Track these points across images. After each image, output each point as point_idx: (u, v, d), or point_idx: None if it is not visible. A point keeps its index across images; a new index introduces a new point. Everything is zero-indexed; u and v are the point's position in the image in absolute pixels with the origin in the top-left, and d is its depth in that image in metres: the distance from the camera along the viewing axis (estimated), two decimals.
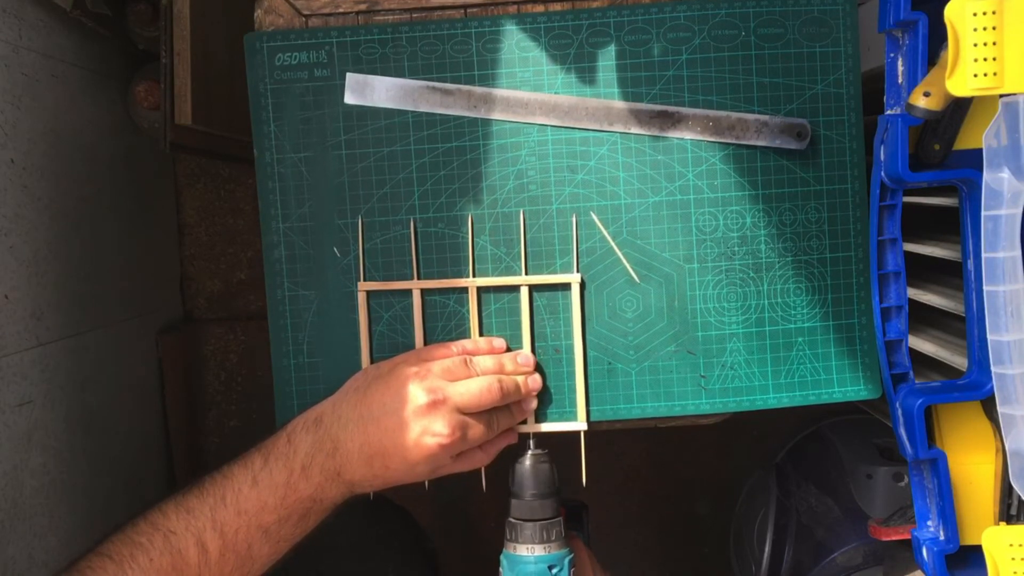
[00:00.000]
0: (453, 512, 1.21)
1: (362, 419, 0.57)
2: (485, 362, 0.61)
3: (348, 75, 0.63)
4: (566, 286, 0.63)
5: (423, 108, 0.63)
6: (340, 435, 0.56)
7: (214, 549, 0.54)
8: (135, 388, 1.02)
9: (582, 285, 0.63)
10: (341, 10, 0.64)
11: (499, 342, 0.63)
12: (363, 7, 0.64)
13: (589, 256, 0.63)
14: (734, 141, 0.62)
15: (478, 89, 0.63)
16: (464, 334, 0.63)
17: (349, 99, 0.63)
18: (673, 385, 0.64)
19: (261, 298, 1.21)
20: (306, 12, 0.64)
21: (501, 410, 0.60)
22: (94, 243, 0.91)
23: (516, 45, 0.63)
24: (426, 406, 0.56)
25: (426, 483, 0.63)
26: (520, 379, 0.61)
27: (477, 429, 0.58)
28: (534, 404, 0.63)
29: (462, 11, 0.63)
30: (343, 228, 0.64)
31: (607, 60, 0.62)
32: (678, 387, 0.64)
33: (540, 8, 0.63)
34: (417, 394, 0.56)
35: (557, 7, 0.63)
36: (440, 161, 0.63)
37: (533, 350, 0.64)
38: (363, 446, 0.56)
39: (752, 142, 0.62)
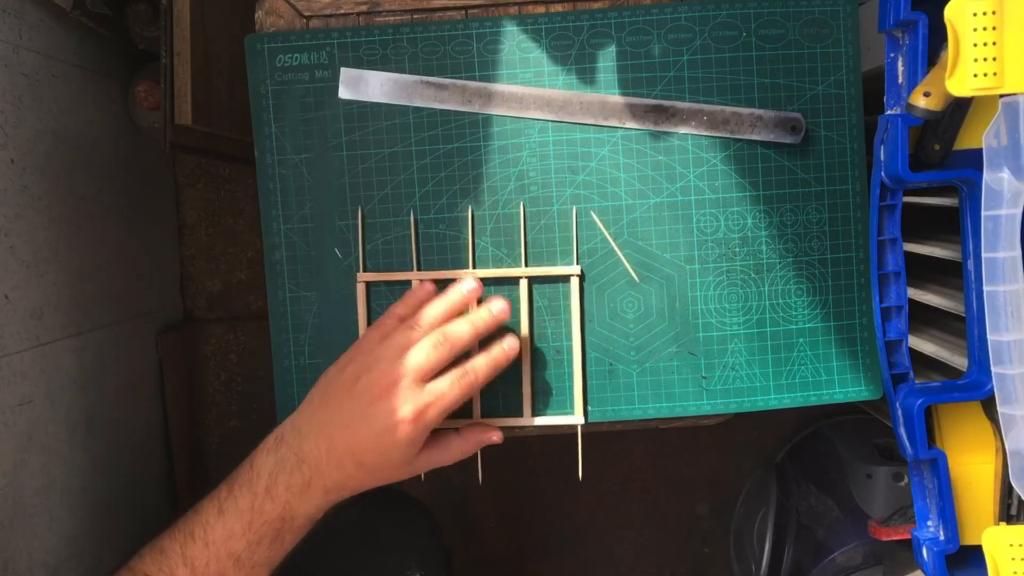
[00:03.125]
0: (453, 512, 1.21)
1: (324, 425, 0.56)
2: (429, 314, 0.58)
3: (343, 70, 0.63)
4: (566, 280, 0.63)
5: (417, 103, 0.63)
6: (303, 447, 0.56)
7: None
8: (135, 388, 1.02)
9: (582, 278, 0.63)
10: (342, 11, 0.64)
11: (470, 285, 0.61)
12: (364, 8, 0.64)
13: (590, 257, 0.63)
14: (729, 135, 0.62)
15: (472, 84, 0.63)
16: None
17: (343, 93, 0.63)
18: (674, 386, 0.64)
19: (261, 298, 1.22)
20: (307, 13, 0.64)
21: (477, 356, 0.59)
22: (94, 243, 0.91)
23: (517, 46, 0.63)
24: (383, 392, 0.55)
25: (422, 476, 0.63)
26: (480, 314, 0.59)
27: (446, 392, 0.56)
28: (514, 344, 0.60)
29: (463, 12, 0.64)
30: (344, 229, 0.64)
31: (608, 61, 0.62)
32: (679, 388, 0.64)
33: (541, 9, 0.63)
34: (370, 384, 0.55)
35: (558, 8, 0.63)
36: (441, 162, 0.63)
37: (533, 352, 0.64)
38: (330, 451, 0.55)
39: (748, 136, 0.62)
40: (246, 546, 0.55)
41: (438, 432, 0.59)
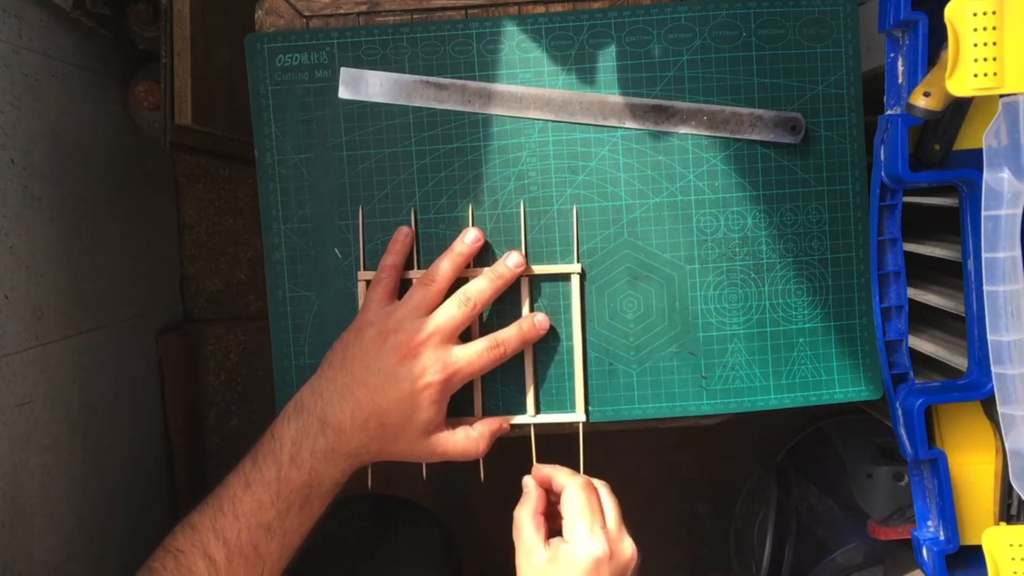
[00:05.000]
0: (454, 512, 1.21)
1: (347, 388, 0.56)
2: (442, 269, 0.60)
3: (343, 70, 0.63)
4: (567, 279, 0.63)
5: (417, 102, 0.63)
6: (326, 411, 0.56)
7: (220, 558, 0.54)
8: (135, 388, 1.02)
9: (582, 276, 0.63)
10: (342, 11, 0.64)
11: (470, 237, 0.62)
12: (364, 8, 0.64)
13: (590, 256, 0.63)
14: (729, 135, 0.62)
15: (472, 84, 0.63)
16: (466, 333, 0.63)
17: (343, 93, 0.63)
18: (674, 386, 0.64)
19: (261, 298, 1.22)
20: (307, 13, 0.64)
21: (510, 328, 0.60)
22: (94, 243, 0.91)
23: (517, 46, 0.63)
24: (411, 352, 0.56)
25: (424, 471, 0.63)
26: (497, 269, 0.61)
27: (475, 360, 0.58)
28: (544, 321, 0.62)
29: (463, 12, 0.64)
30: (344, 229, 0.64)
31: (608, 61, 0.62)
32: (679, 388, 0.64)
33: (541, 9, 0.63)
34: (395, 344, 0.56)
35: (558, 8, 0.63)
36: (441, 162, 0.63)
37: (535, 351, 0.64)
38: (354, 412, 0.56)
39: (747, 136, 0.62)
40: (276, 515, 0.55)
41: (456, 422, 0.60)
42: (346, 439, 0.56)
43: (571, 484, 0.58)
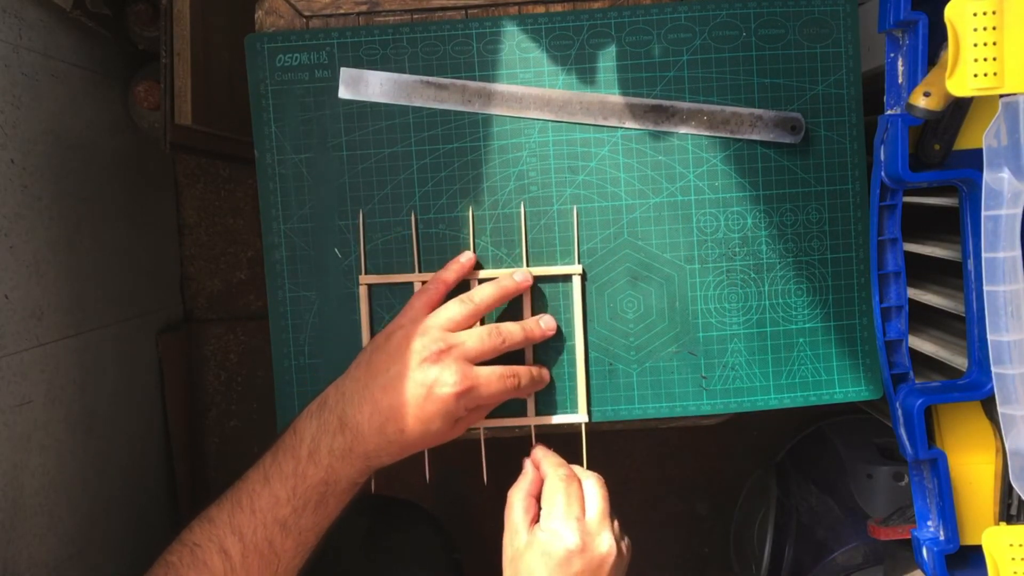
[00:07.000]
0: (455, 513, 1.21)
1: (367, 389, 0.56)
2: (483, 293, 0.60)
3: (342, 69, 0.63)
4: (567, 280, 0.63)
5: (417, 102, 0.63)
6: (347, 410, 0.56)
7: (236, 553, 0.54)
8: (135, 388, 1.02)
9: (583, 277, 0.63)
10: (342, 11, 0.64)
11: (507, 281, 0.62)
12: (364, 8, 0.64)
13: (590, 256, 0.63)
14: (729, 135, 0.62)
15: (472, 84, 0.63)
16: None
17: (343, 93, 0.63)
18: (674, 386, 0.64)
19: (261, 298, 1.22)
20: (307, 13, 0.64)
21: (524, 367, 0.60)
22: (94, 243, 0.91)
23: (517, 46, 0.63)
24: (432, 357, 0.56)
25: (426, 473, 0.63)
26: (529, 324, 0.61)
27: (493, 381, 0.57)
28: (546, 375, 0.63)
29: (463, 12, 0.64)
30: (344, 229, 0.64)
31: (608, 61, 0.62)
32: (679, 388, 0.64)
33: (541, 9, 0.63)
34: (419, 349, 0.56)
35: (558, 8, 0.63)
36: (441, 162, 0.63)
37: (536, 352, 0.64)
38: (372, 415, 0.56)
39: (748, 136, 0.62)
40: (292, 511, 0.55)
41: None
42: (363, 441, 0.56)
43: (552, 473, 0.59)
